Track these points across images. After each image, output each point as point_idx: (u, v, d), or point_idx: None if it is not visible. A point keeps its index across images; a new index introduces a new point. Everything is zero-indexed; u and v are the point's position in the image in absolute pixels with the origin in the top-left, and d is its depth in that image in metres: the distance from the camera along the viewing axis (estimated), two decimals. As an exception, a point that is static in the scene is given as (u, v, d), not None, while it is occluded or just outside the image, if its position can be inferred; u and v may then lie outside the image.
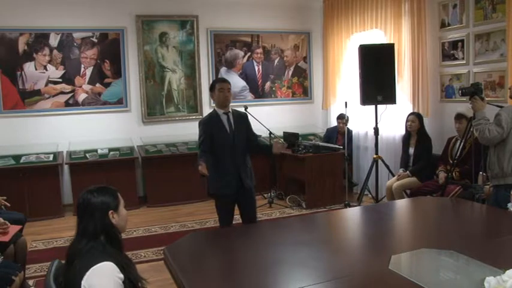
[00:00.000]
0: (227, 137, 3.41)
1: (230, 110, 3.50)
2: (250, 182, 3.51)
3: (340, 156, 5.60)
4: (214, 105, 3.70)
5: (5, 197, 3.67)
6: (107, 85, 6.04)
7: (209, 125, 3.43)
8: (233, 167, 3.40)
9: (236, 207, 3.55)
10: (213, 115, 3.48)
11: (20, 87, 5.65)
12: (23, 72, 5.66)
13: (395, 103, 5.15)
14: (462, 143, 4.07)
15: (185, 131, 6.35)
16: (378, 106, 5.16)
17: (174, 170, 5.88)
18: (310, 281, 1.93)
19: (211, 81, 6.44)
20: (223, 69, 6.60)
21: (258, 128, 4.32)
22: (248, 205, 3.53)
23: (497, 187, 3.29)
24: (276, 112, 6.83)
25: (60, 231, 4.87)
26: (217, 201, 3.53)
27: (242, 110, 3.89)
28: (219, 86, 3.44)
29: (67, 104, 5.87)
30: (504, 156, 3.22)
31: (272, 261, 2.19)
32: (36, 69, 5.71)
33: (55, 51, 5.77)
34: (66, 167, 5.70)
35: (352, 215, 3.29)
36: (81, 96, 5.93)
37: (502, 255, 2.15)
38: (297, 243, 2.44)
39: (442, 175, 4.38)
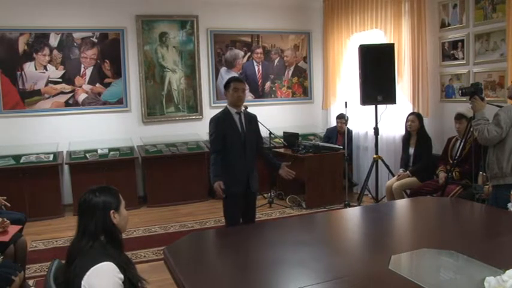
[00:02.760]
0: (239, 136, 3.38)
1: (242, 110, 3.47)
2: (256, 184, 3.50)
3: (340, 156, 5.60)
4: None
5: (5, 197, 3.67)
6: (107, 85, 6.04)
7: (221, 123, 3.38)
8: (242, 167, 3.38)
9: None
10: (226, 113, 3.42)
11: (20, 87, 5.65)
12: (23, 72, 5.66)
13: (395, 103, 5.15)
14: (462, 143, 4.07)
15: (185, 131, 6.36)
16: (378, 106, 5.16)
17: (174, 170, 5.89)
18: (310, 281, 1.93)
19: (211, 82, 6.52)
20: (223, 69, 6.60)
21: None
22: (250, 207, 3.53)
23: (496, 187, 3.29)
24: (276, 112, 6.83)
25: (60, 231, 4.87)
26: (225, 201, 3.46)
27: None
28: (234, 86, 3.38)
29: (67, 104, 5.87)
30: (503, 156, 3.22)
31: (272, 261, 2.19)
32: (36, 69, 5.71)
33: (55, 51, 5.77)
34: (66, 167, 5.70)
35: (352, 215, 3.28)
36: (81, 96, 5.93)
37: (502, 255, 2.15)
38: (297, 243, 2.44)
39: (442, 175, 4.38)
